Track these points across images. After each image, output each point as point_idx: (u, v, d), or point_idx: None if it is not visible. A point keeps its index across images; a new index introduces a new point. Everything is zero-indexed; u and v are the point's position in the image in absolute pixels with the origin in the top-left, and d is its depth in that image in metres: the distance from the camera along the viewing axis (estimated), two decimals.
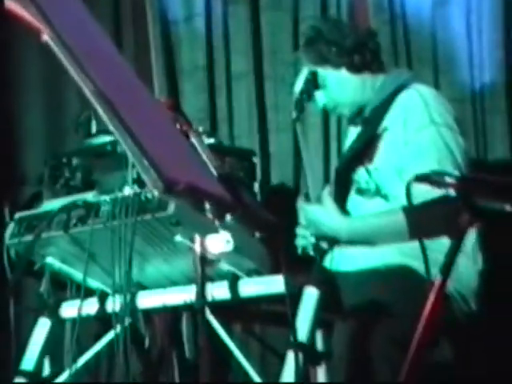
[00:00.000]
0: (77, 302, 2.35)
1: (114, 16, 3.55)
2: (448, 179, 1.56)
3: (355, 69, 2.56)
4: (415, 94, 2.44)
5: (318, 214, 2.46)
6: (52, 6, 1.30)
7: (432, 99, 2.43)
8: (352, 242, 2.46)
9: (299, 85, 2.57)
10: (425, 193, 2.01)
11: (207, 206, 1.46)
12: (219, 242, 1.70)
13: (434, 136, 2.37)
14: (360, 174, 2.51)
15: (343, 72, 2.56)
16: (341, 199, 2.51)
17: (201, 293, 1.71)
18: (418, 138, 2.38)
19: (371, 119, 2.55)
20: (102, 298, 2.43)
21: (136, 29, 3.56)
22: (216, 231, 1.59)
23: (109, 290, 2.42)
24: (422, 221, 2.28)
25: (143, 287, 2.47)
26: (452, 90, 3.39)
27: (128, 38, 3.56)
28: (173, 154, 1.41)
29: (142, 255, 2.36)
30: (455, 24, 3.44)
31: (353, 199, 2.53)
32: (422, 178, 1.58)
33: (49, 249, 2.42)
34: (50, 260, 2.45)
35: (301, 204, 2.54)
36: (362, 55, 2.56)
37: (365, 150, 2.51)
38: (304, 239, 2.60)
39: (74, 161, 2.59)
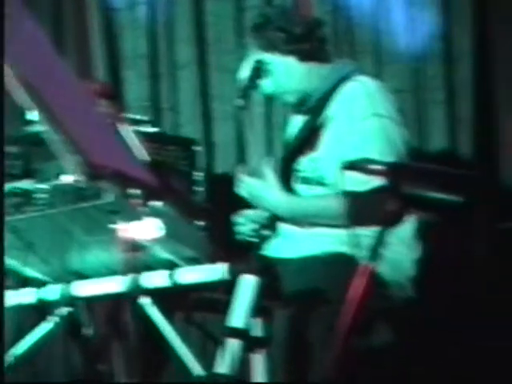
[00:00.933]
0: (16, 291, 2.33)
1: (53, 2, 3.50)
2: (377, 167, 1.59)
3: (303, 57, 2.57)
4: (359, 85, 2.47)
5: (259, 187, 2.49)
6: None
7: (375, 91, 2.46)
8: (290, 218, 2.47)
9: (245, 73, 2.57)
10: (366, 182, 2.03)
11: (136, 191, 1.47)
12: (150, 229, 1.70)
13: (376, 127, 2.41)
14: (303, 163, 2.53)
15: (291, 60, 2.57)
16: (285, 187, 2.53)
17: (133, 281, 1.70)
18: (360, 129, 2.41)
19: (315, 109, 2.57)
20: (39, 287, 2.41)
21: (76, 15, 3.51)
22: (147, 217, 1.59)
23: (47, 279, 2.40)
24: (360, 208, 2.31)
25: (83, 276, 2.45)
26: (394, 80, 3.44)
27: (68, 25, 3.51)
28: (100, 141, 1.41)
29: (80, 244, 2.35)
30: (396, 15, 3.49)
31: (296, 187, 2.55)
32: (352, 166, 1.61)
33: None
34: None
35: (242, 176, 2.55)
36: (310, 44, 2.58)
37: (308, 139, 2.54)
38: (245, 226, 2.61)
39: (14, 149, 2.56)
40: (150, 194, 1.50)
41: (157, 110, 3.49)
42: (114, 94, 1.81)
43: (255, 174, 2.54)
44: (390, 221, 1.55)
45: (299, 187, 2.55)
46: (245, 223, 2.61)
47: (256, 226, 2.59)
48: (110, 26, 3.49)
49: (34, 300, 2.41)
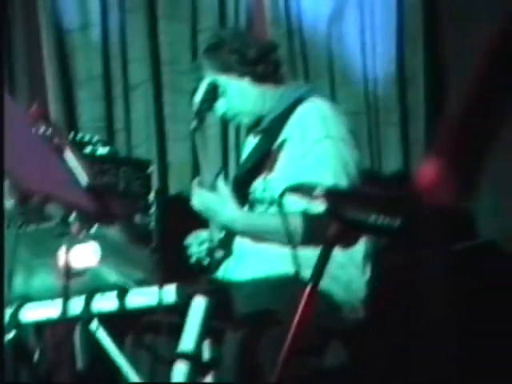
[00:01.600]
0: None
1: (3, 23, 3.46)
2: (318, 191, 1.60)
3: (257, 79, 2.58)
4: (313, 107, 2.49)
5: (214, 201, 2.47)
6: None
7: (329, 113, 2.48)
8: (245, 233, 2.47)
9: (199, 95, 2.57)
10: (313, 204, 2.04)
11: (72, 216, 1.45)
12: (85, 253, 1.69)
13: (330, 149, 2.42)
14: (257, 184, 2.53)
15: (245, 81, 2.58)
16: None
17: (64, 307, 1.68)
18: (314, 151, 2.42)
19: (269, 130, 2.58)
20: None
21: (28, 37, 3.48)
22: (88, 241, 1.57)
23: None
24: (308, 229, 2.32)
25: (29, 299, 2.42)
26: (348, 102, 3.47)
27: (20, 46, 3.47)
28: (33, 165, 1.39)
29: (27, 267, 2.32)
30: (350, 39, 3.53)
31: (248, 209, 2.54)
32: (293, 189, 1.61)
33: None
34: None
35: (196, 189, 2.54)
36: (264, 66, 2.59)
37: (262, 160, 2.54)
38: (196, 248, 2.60)
39: None
40: (89, 218, 1.48)
41: (110, 131, 3.47)
42: (49, 117, 1.79)
43: (210, 187, 2.52)
44: (329, 244, 1.55)
45: (249, 207, 2.54)
46: (196, 244, 2.60)
47: (208, 247, 2.58)
48: (63, 47, 3.47)
49: None
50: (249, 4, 3.53)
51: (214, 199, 2.47)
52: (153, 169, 3.06)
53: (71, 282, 1.64)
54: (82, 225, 1.45)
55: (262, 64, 2.59)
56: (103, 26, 3.47)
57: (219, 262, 2.56)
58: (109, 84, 3.48)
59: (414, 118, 3.50)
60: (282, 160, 2.48)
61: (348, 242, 2.41)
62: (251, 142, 2.70)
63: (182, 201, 3.49)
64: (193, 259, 2.62)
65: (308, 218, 2.35)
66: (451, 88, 3.43)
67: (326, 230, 1.58)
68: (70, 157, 1.71)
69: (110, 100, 3.48)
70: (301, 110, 2.50)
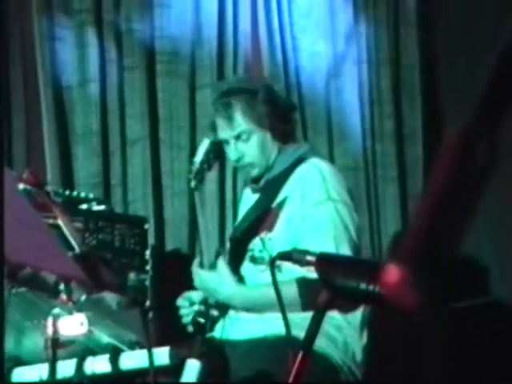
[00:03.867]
0: None
1: (3, 79, 3.49)
2: (308, 257, 1.58)
3: (278, 135, 2.56)
4: (313, 168, 2.48)
5: (212, 280, 2.45)
6: None
7: (329, 174, 2.47)
8: (245, 309, 2.45)
9: (200, 155, 2.54)
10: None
11: (61, 286, 1.44)
12: (73, 324, 1.67)
13: (330, 212, 2.41)
14: (254, 243, 2.50)
15: (268, 135, 2.55)
16: (234, 267, 2.50)
17: (51, 375, 1.66)
18: (315, 213, 2.41)
19: (269, 188, 2.56)
20: None
21: (27, 93, 3.51)
22: (75, 311, 1.56)
23: None
24: (310, 295, 2.30)
25: (20, 362, 2.38)
26: (346, 158, 3.48)
27: (18, 102, 3.51)
28: (21, 237, 1.37)
29: (18, 329, 2.29)
30: (348, 95, 3.54)
31: (246, 267, 2.52)
32: (284, 256, 1.60)
33: None
34: None
35: (196, 269, 2.53)
36: (288, 124, 2.58)
37: (261, 218, 2.52)
38: (187, 309, 2.57)
39: None
40: (77, 288, 1.47)
41: (107, 187, 3.47)
42: (42, 183, 1.79)
43: (208, 266, 2.50)
44: (321, 309, 1.53)
45: (248, 266, 2.52)
46: (186, 306, 2.58)
47: (200, 308, 2.55)
48: (61, 104, 3.49)
49: None
50: (247, 60, 3.56)
51: (211, 278, 2.46)
52: (148, 225, 3.07)
53: (59, 351, 1.61)
54: (71, 295, 1.44)
55: (287, 123, 2.58)
56: (102, 82, 3.49)
57: (214, 322, 2.53)
58: (106, 140, 3.49)
59: (412, 174, 3.50)
60: (282, 220, 2.47)
61: (345, 306, 2.38)
62: (249, 197, 2.69)
63: (179, 257, 3.49)
64: (184, 320, 2.59)
65: (301, 284, 2.33)
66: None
67: (318, 296, 1.57)
68: (61, 220, 1.70)
69: (107, 156, 3.49)
70: (301, 170, 2.50)
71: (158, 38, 3.51)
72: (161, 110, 3.51)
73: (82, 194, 2.93)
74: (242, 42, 3.54)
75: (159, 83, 3.52)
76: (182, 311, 2.58)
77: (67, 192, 2.93)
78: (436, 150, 3.48)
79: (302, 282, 2.35)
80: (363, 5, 3.55)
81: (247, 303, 2.44)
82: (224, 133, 2.55)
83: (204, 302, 2.55)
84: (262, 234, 2.48)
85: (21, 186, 1.70)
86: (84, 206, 2.87)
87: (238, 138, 2.53)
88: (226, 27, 3.53)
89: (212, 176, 3.44)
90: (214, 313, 2.51)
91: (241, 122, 2.51)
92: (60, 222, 1.68)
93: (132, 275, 2.88)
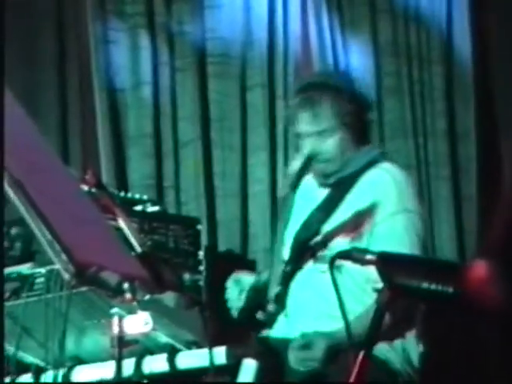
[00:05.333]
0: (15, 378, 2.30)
1: (59, 82, 3.57)
2: (369, 256, 1.58)
3: (357, 135, 2.52)
4: (386, 175, 2.47)
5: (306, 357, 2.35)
6: None
7: (403, 182, 2.47)
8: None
9: (297, 164, 2.50)
10: None
11: (126, 285, 1.46)
12: (137, 323, 1.69)
13: (407, 224, 2.42)
14: (317, 243, 2.49)
15: (348, 134, 2.51)
16: (295, 263, 2.49)
17: (118, 373, 1.68)
18: (391, 223, 2.40)
19: (338, 188, 2.53)
20: (38, 373, 2.38)
21: (82, 96, 3.57)
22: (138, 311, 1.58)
23: (46, 365, 2.37)
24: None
25: (81, 361, 2.42)
26: (398, 156, 3.45)
27: (74, 105, 3.57)
28: (86, 236, 1.40)
29: (79, 328, 2.32)
30: (399, 93, 3.52)
31: (308, 266, 2.50)
32: (344, 255, 1.60)
33: None
34: None
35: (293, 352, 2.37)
36: (366, 124, 2.56)
37: (327, 218, 2.51)
38: (236, 294, 2.55)
39: (14, 230, 2.56)
40: (140, 287, 1.49)
41: (160, 188, 3.50)
42: (103, 184, 1.82)
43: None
44: (382, 309, 1.53)
45: (310, 265, 2.50)
46: (235, 290, 2.55)
47: (246, 296, 2.53)
48: (115, 106, 3.54)
49: None
50: (297, 60, 3.56)
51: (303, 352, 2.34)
52: (201, 226, 3.09)
53: (124, 351, 1.64)
54: (135, 294, 1.46)
55: (366, 123, 2.55)
56: (154, 84, 3.53)
57: (272, 318, 2.52)
58: (159, 142, 3.53)
59: (465, 174, 3.46)
60: (348, 221, 2.45)
61: (402, 310, 2.36)
62: (311, 190, 2.61)
63: (231, 258, 3.50)
64: (230, 304, 2.57)
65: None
66: (504, 143, 3.38)
67: (379, 295, 1.56)
68: (122, 221, 1.72)
69: (160, 157, 3.52)
70: (373, 174, 2.49)
71: (209, 40, 3.54)
72: (212, 111, 3.54)
73: (137, 196, 2.97)
74: (293, 42, 3.55)
75: (210, 84, 3.55)
76: (229, 295, 2.56)
77: (122, 194, 2.98)
78: (490, 148, 3.44)
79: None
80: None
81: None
82: (306, 127, 2.50)
83: (253, 288, 2.54)
84: (326, 233, 2.47)
85: (83, 187, 1.74)
86: (138, 208, 2.91)
87: (319, 134, 2.49)
88: (276, 27, 3.54)
89: (260, 176, 3.47)
90: (272, 307, 2.49)
91: (326, 118, 2.47)
92: (121, 222, 1.70)
93: (186, 275, 2.91)
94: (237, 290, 2.56)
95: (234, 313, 2.56)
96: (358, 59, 3.56)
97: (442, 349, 2.64)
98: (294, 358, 2.34)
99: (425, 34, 3.51)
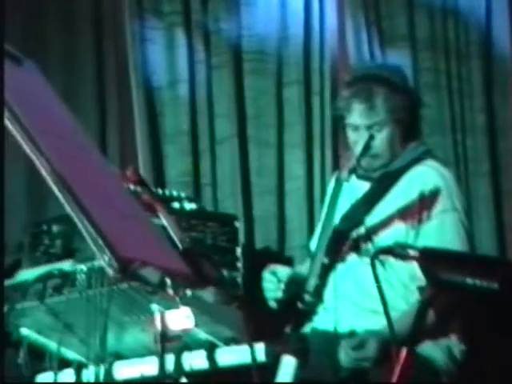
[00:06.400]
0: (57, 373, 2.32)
1: (97, 81, 3.60)
2: (411, 252, 1.57)
3: (406, 130, 2.52)
4: (434, 172, 2.47)
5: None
6: (12, 89, 1.31)
7: (451, 181, 2.49)
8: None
9: (359, 148, 2.47)
10: None
11: (168, 281, 1.47)
12: (180, 318, 1.70)
13: (456, 223, 2.44)
14: (361, 235, 2.47)
15: (398, 129, 2.51)
16: (335, 255, 2.48)
17: (161, 369, 1.69)
18: (441, 220, 2.41)
19: (384, 182, 2.53)
20: (79, 368, 2.40)
21: (120, 94, 3.60)
22: (181, 306, 1.59)
23: (87, 361, 2.39)
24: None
25: (121, 357, 2.43)
26: (436, 153, 3.40)
27: (111, 103, 3.60)
28: (129, 232, 1.41)
29: (119, 324, 2.34)
30: (436, 88, 3.49)
31: (350, 259, 2.49)
32: (386, 251, 1.59)
33: (24, 320, 2.39)
34: (25, 331, 2.42)
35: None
36: (416, 120, 2.57)
37: (368, 212, 2.49)
38: (273, 284, 2.53)
39: (55, 228, 2.58)
40: (182, 283, 1.50)
41: (197, 186, 3.51)
42: (144, 180, 1.83)
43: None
44: (425, 305, 1.52)
45: (352, 258, 2.49)
46: (272, 281, 2.53)
47: (284, 288, 2.52)
48: (152, 104, 3.56)
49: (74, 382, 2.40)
50: (333, 57, 3.55)
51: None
52: (239, 223, 3.09)
53: (167, 346, 1.65)
54: (177, 290, 1.47)
55: (416, 119, 2.55)
56: (190, 82, 3.54)
57: (311, 309, 2.50)
58: (196, 139, 3.54)
59: (505, 168, 3.41)
60: (393, 216, 2.44)
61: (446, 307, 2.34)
62: (353, 183, 2.58)
63: (268, 255, 3.50)
64: (267, 295, 2.55)
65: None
66: None
67: (423, 291, 1.55)
68: (163, 217, 1.73)
69: (197, 155, 3.54)
70: (420, 170, 2.48)
71: (245, 37, 3.54)
72: (248, 108, 3.54)
73: (174, 193, 2.99)
74: (329, 38, 3.53)
75: (246, 81, 3.55)
76: (267, 285, 2.54)
77: (159, 191, 2.99)
78: None
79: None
80: None
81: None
82: (359, 119, 2.48)
83: (291, 280, 2.53)
84: (371, 226, 2.45)
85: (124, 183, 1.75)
86: (176, 205, 2.92)
87: (370, 127, 2.48)
88: (312, 24, 3.53)
89: (297, 173, 3.46)
90: (310, 299, 2.46)
91: (380, 112, 2.46)
92: (162, 219, 1.71)
93: (224, 272, 2.91)
94: (274, 280, 2.54)
95: (272, 303, 2.55)
96: (394, 55, 3.53)
97: (484, 347, 2.61)
98: (346, 358, 2.33)
99: (463, 29, 3.47)
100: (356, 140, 2.51)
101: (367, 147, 2.48)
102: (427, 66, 3.50)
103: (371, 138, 2.48)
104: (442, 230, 2.40)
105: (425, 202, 2.41)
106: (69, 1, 3.64)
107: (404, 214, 2.41)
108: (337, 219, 2.50)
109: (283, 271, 2.57)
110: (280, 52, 3.54)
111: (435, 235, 2.39)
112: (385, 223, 2.43)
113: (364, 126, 2.48)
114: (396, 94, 2.48)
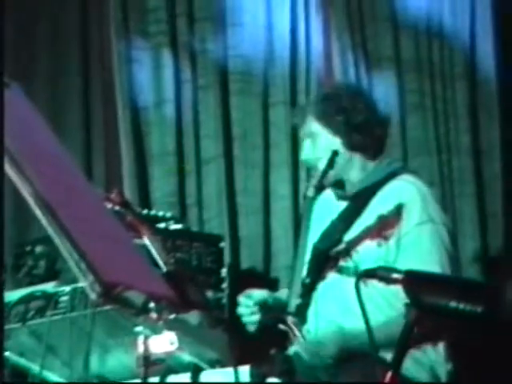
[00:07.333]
0: None
1: (83, 101, 3.59)
2: (395, 275, 1.57)
3: (351, 146, 2.53)
4: (410, 186, 2.46)
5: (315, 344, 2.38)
6: None
7: (428, 195, 2.47)
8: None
9: (322, 164, 2.51)
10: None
11: (152, 305, 1.46)
12: (163, 342, 1.69)
13: (433, 234, 2.41)
14: (340, 252, 2.47)
15: (338, 142, 2.54)
16: (315, 274, 2.48)
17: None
18: (417, 233, 2.39)
19: (358, 198, 2.53)
20: None
21: (106, 113, 3.60)
22: (164, 330, 1.58)
23: None
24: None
25: (105, 380, 2.41)
26: (421, 174, 3.42)
27: (97, 123, 3.60)
28: (112, 255, 1.40)
29: (102, 347, 2.32)
30: (422, 110, 3.51)
31: (331, 277, 2.48)
32: (369, 274, 1.59)
33: (6, 342, 2.37)
34: (7, 354, 2.40)
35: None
36: (363, 137, 2.54)
37: (347, 228, 2.50)
38: (247, 308, 2.53)
39: (38, 249, 2.57)
40: (166, 306, 1.49)
41: (183, 206, 3.51)
42: (128, 202, 1.82)
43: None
44: (409, 328, 1.51)
45: (333, 276, 2.48)
46: (247, 305, 2.53)
47: (260, 310, 2.52)
48: (138, 124, 3.56)
49: None
50: (319, 77, 3.56)
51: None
52: (224, 244, 3.08)
53: (150, 370, 1.64)
54: (161, 313, 1.46)
55: (361, 135, 2.53)
56: (177, 102, 3.54)
57: (294, 330, 2.49)
58: (182, 159, 3.54)
59: (490, 190, 3.43)
60: (371, 232, 2.43)
61: (429, 329, 2.33)
62: (331, 204, 2.63)
63: (254, 276, 3.49)
64: (244, 319, 2.55)
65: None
66: None
67: (407, 313, 1.55)
68: (148, 239, 1.73)
69: (183, 175, 3.53)
70: (396, 185, 2.48)
71: (231, 57, 3.55)
72: (234, 129, 3.55)
73: (160, 213, 2.98)
74: (315, 60, 3.55)
75: (232, 102, 3.56)
76: (242, 310, 2.54)
77: (145, 211, 2.98)
78: None
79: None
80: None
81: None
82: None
83: (268, 302, 2.53)
84: (348, 243, 2.45)
85: (108, 205, 1.74)
86: (161, 225, 2.91)
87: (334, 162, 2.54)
88: (299, 45, 3.55)
89: (286, 192, 3.46)
90: (292, 319, 2.46)
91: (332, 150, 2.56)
92: (146, 240, 1.70)
93: (209, 293, 2.90)
94: (250, 303, 2.55)
95: (251, 327, 2.55)
96: (380, 76, 3.55)
97: (472, 367, 2.60)
98: (306, 354, 2.34)
99: (448, 51, 3.50)
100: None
101: (331, 163, 2.50)
102: (412, 88, 3.53)
103: (335, 153, 2.51)
104: (419, 242, 2.38)
105: (400, 216, 2.40)
106: (55, 21, 3.64)
107: (380, 228, 2.41)
108: (317, 238, 2.51)
109: (258, 294, 2.57)
110: (266, 73, 3.55)
111: (413, 248, 2.37)
112: (362, 239, 2.43)
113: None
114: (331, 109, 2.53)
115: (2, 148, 1.34)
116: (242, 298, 2.56)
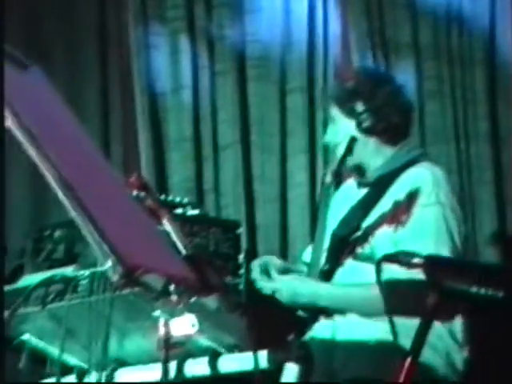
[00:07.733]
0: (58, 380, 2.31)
1: (101, 87, 3.60)
2: (415, 260, 1.56)
3: (371, 131, 2.51)
4: (426, 172, 2.45)
5: (294, 284, 2.44)
6: (17, 94, 1.31)
7: (442, 179, 2.45)
8: (331, 309, 2.42)
9: (340, 151, 2.51)
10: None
11: (172, 288, 1.47)
12: (184, 325, 1.70)
13: (437, 216, 2.38)
14: (358, 239, 2.46)
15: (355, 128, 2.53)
16: (333, 261, 2.47)
17: (164, 376, 1.69)
18: (421, 214, 2.37)
19: (376, 185, 2.52)
20: (81, 375, 2.40)
21: (123, 100, 3.61)
22: (184, 313, 1.59)
23: (88, 367, 2.39)
24: (395, 298, 2.26)
25: (124, 363, 2.43)
26: (439, 161, 3.40)
27: (115, 109, 3.60)
28: (133, 238, 1.41)
29: (121, 331, 2.33)
30: (440, 96, 3.49)
31: (348, 263, 2.47)
32: (390, 258, 1.58)
33: (26, 325, 2.39)
34: (26, 337, 2.42)
35: (275, 276, 2.50)
36: (378, 121, 2.52)
37: (365, 215, 2.49)
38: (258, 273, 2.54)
39: (57, 233, 2.58)
40: (186, 289, 1.50)
41: (200, 191, 3.51)
42: (148, 186, 1.83)
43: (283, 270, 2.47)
44: (429, 314, 1.51)
45: (350, 263, 2.48)
46: (261, 268, 2.55)
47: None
48: (156, 110, 3.56)
49: None
50: (337, 63, 3.55)
51: (294, 281, 2.43)
52: (241, 230, 3.08)
53: (170, 353, 1.65)
54: (181, 296, 1.47)
55: (376, 120, 2.51)
56: (194, 88, 3.54)
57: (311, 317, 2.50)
58: (199, 145, 3.54)
59: (508, 177, 3.41)
60: (387, 218, 2.42)
61: (447, 314, 2.33)
62: (352, 190, 2.62)
63: None
64: (258, 285, 2.54)
65: (403, 284, 2.28)
66: None
67: (425, 300, 1.54)
68: (167, 223, 1.73)
69: (200, 161, 3.53)
70: (413, 172, 2.47)
71: (248, 43, 3.55)
72: (252, 115, 3.54)
73: (177, 199, 2.98)
74: (332, 45, 3.54)
75: (250, 88, 3.55)
76: (256, 274, 2.55)
77: (162, 197, 2.98)
78: None
79: (389, 284, 2.30)
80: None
81: (332, 304, 2.41)
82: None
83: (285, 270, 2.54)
84: (367, 228, 2.44)
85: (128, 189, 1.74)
86: (179, 211, 2.91)
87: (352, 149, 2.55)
88: (316, 30, 3.54)
89: (303, 180, 3.46)
90: None
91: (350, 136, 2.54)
92: (166, 225, 1.71)
93: (227, 279, 2.90)
94: (263, 268, 2.55)
95: (265, 291, 2.55)
96: (398, 63, 3.53)
97: (488, 354, 2.60)
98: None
99: (467, 36, 3.47)
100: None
101: (349, 149, 2.49)
102: (431, 74, 3.50)
103: (353, 139, 2.50)
104: (420, 224, 2.36)
105: (413, 200, 2.39)
106: (72, 7, 3.65)
107: (395, 213, 2.40)
108: (336, 225, 2.51)
109: (273, 261, 2.58)
110: (284, 58, 3.54)
111: (413, 229, 2.35)
112: (379, 225, 2.42)
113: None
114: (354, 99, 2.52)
115: (2, 148, 1.35)
116: (255, 264, 2.57)
